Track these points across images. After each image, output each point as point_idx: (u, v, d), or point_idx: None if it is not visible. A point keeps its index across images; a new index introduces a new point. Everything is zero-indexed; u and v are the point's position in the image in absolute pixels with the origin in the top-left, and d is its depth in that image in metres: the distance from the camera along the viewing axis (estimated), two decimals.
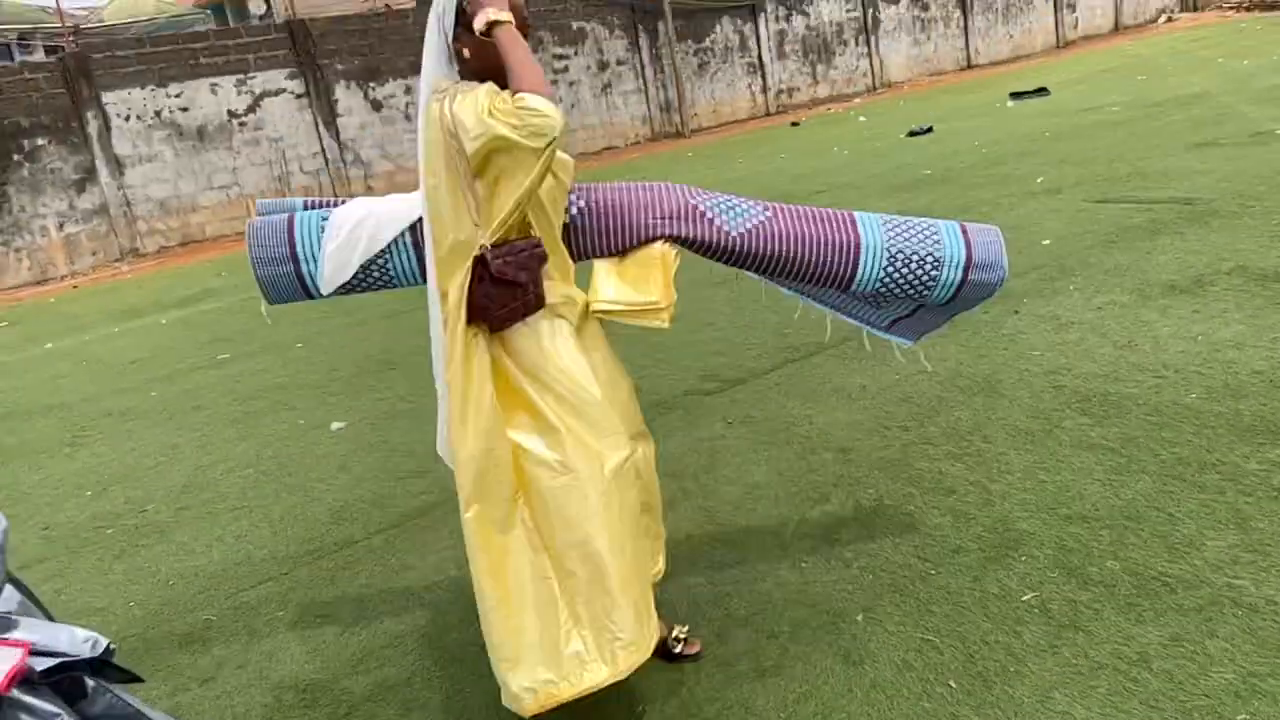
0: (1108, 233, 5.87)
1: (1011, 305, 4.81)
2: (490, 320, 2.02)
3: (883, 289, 2.39)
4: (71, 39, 17.60)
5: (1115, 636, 2.17)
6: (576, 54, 20.86)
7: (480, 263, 1.97)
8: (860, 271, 2.34)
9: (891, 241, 2.37)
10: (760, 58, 24.30)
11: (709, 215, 2.28)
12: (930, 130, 13.75)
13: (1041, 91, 15.82)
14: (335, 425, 4.91)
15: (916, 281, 2.38)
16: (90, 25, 20.02)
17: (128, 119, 15.88)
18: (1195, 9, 32.86)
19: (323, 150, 17.67)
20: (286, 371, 6.29)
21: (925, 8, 27.29)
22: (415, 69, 18.74)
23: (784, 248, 2.31)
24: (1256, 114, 9.29)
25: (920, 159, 11.12)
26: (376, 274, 2.31)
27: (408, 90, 18.76)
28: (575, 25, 21.10)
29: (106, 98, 15.68)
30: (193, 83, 16.40)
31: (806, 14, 24.89)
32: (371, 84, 18.37)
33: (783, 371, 4.56)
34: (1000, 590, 2.44)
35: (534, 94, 1.84)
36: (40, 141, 15.30)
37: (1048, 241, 5.96)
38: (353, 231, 2.27)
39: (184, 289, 11.52)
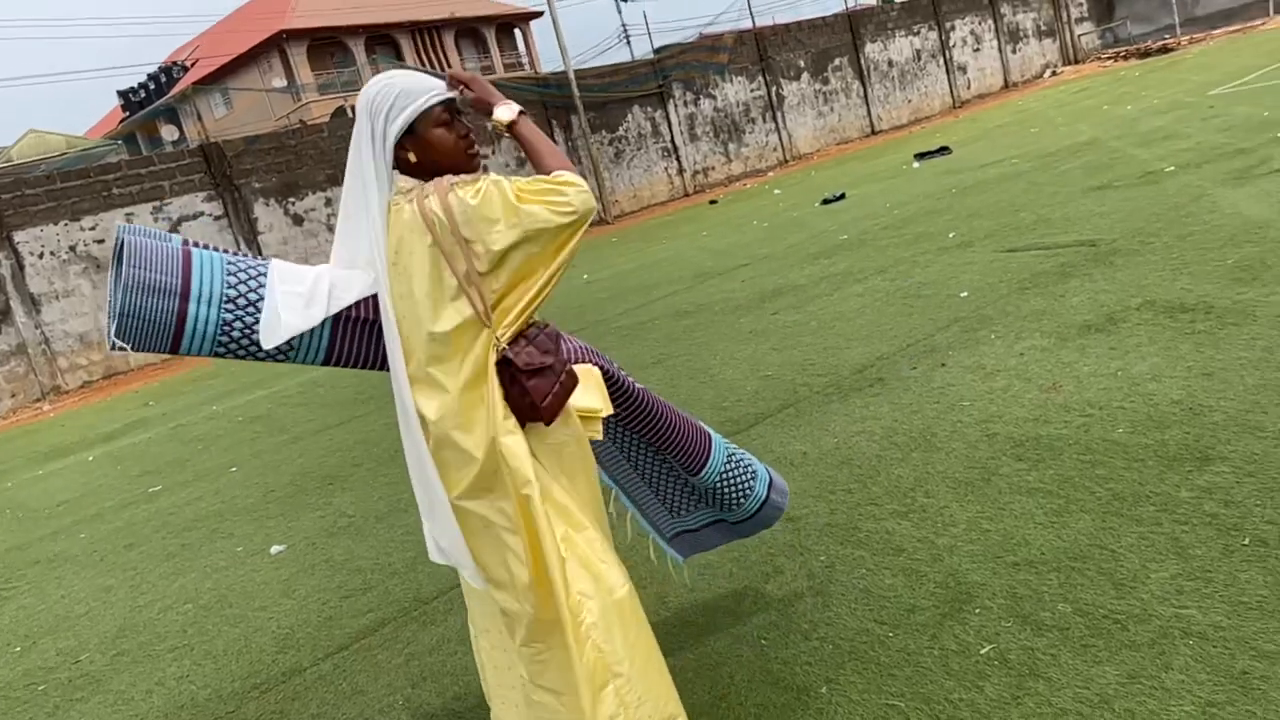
0: (1021, 280, 6.07)
1: (938, 358, 4.92)
2: (541, 415, 1.89)
3: (718, 483, 2.57)
4: None
5: (1074, 680, 2.18)
6: (494, 152, 21.21)
7: (504, 364, 1.88)
8: (711, 459, 2.54)
9: (728, 445, 2.62)
10: (673, 141, 24.97)
11: (612, 363, 2.36)
12: (843, 197, 14.19)
13: (943, 150, 16.48)
14: (275, 549, 4.77)
15: (740, 484, 2.61)
16: None
17: (41, 256, 15.63)
18: (1076, 61, 34.78)
19: None
20: (221, 498, 6.12)
21: (825, 81, 28.42)
22: (334, 181, 18.93)
23: (665, 411, 2.46)
24: (1144, 155, 9.78)
25: (836, 225, 11.44)
26: (254, 346, 2.00)
27: (328, 202, 18.83)
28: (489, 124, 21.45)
29: (18, 237, 15.44)
30: (107, 214, 16.26)
31: (713, 96, 25.74)
32: (290, 199, 18.40)
33: None
34: (958, 646, 2.44)
35: (568, 170, 1.89)
36: None
37: (965, 294, 6.14)
38: (315, 284, 1.99)
39: (110, 423, 11.22)
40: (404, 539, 4.44)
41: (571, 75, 22.69)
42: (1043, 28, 34.62)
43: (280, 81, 36.59)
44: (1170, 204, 7.05)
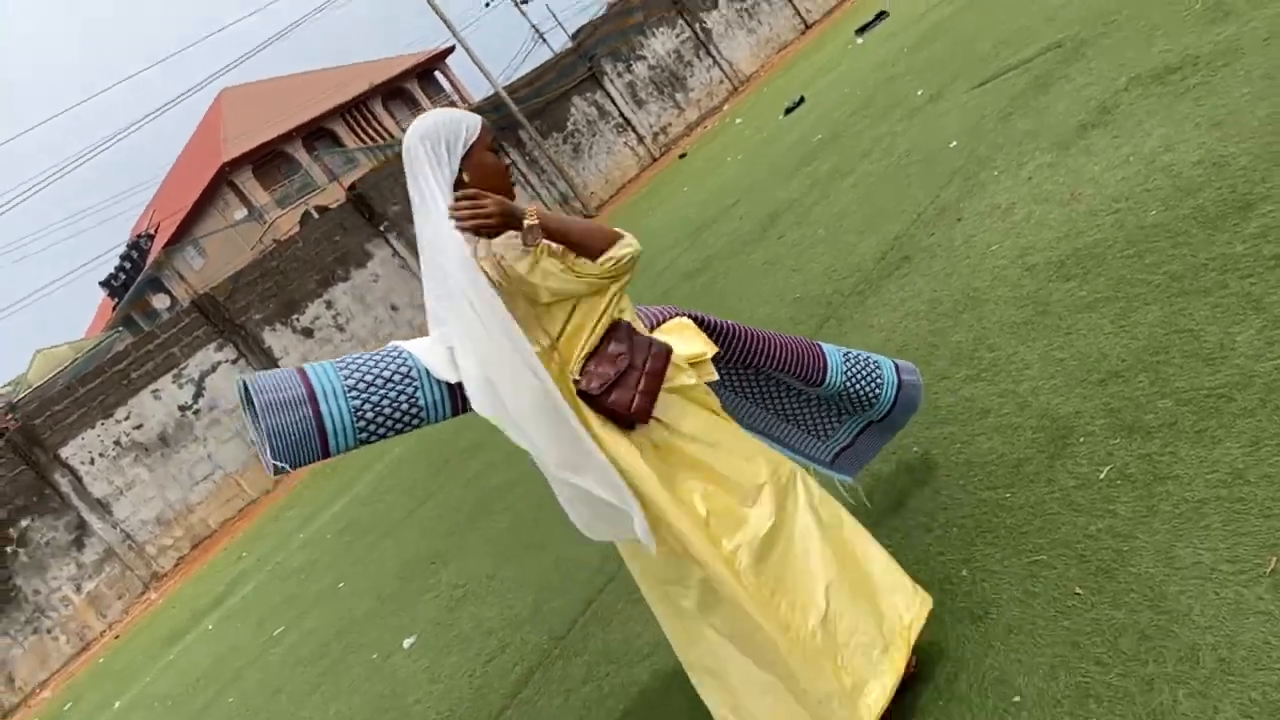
0: (1002, 108, 5.93)
1: (952, 215, 4.83)
2: (635, 418, 1.98)
3: (848, 384, 2.54)
4: (9, 416, 17.75)
5: (1202, 469, 2.11)
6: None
7: (584, 396, 1.97)
8: (830, 364, 2.50)
9: (839, 347, 2.59)
10: (623, 115, 24.81)
11: (698, 312, 2.38)
12: (802, 100, 13.99)
13: (881, 16, 16.16)
14: (407, 642, 4.82)
15: (868, 376, 2.57)
16: (20, 397, 20.23)
17: (93, 462, 15.97)
18: None
19: None
20: (339, 615, 6.21)
21: None
22: (326, 282, 18.98)
23: (766, 335, 2.44)
24: None
25: (807, 129, 11.28)
26: (406, 405, 2.10)
27: (329, 305, 18.98)
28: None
29: (65, 452, 15.78)
30: (134, 399, 16.56)
31: (644, 56, 25.49)
32: (294, 316, 18.59)
33: None
34: (1077, 480, 2.38)
35: (614, 242, 1.96)
36: (25, 522, 15.34)
37: (954, 143, 6.01)
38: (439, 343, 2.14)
39: (214, 588, 11.44)
40: (519, 587, 4.46)
41: (503, 93, 22.61)
42: None
43: (241, 212, 36.97)
44: None
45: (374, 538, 7.65)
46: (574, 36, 25.62)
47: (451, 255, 1.89)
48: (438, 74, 46.18)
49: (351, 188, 20.07)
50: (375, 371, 2.09)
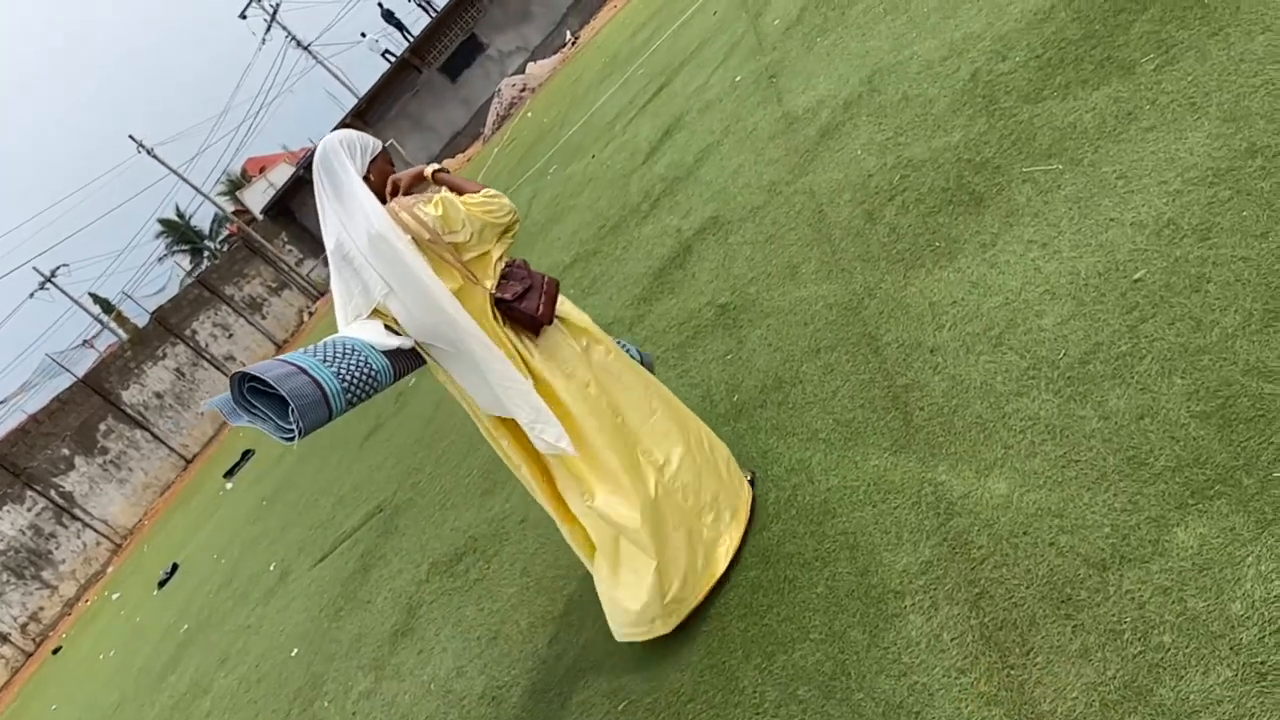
0: (335, 599, 5.64)
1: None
2: (538, 323, 2.62)
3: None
4: None
5: None
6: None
7: (499, 303, 2.60)
8: None
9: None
10: None
11: None
12: (175, 569, 12.84)
13: (248, 455, 15.80)
14: None
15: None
16: None
17: None
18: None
19: None
20: None
21: (104, 450, 26.09)
22: None
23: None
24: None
25: (175, 614, 10.14)
26: (366, 371, 2.39)
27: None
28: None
29: None
30: None
31: None
32: None
33: None
34: None
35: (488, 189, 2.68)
36: None
37: (295, 650, 5.51)
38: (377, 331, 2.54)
39: None
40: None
41: None
42: None
43: None
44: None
45: None
46: None
47: (374, 220, 2.45)
48: None
49: None
50: (333, 349, 2.39)
